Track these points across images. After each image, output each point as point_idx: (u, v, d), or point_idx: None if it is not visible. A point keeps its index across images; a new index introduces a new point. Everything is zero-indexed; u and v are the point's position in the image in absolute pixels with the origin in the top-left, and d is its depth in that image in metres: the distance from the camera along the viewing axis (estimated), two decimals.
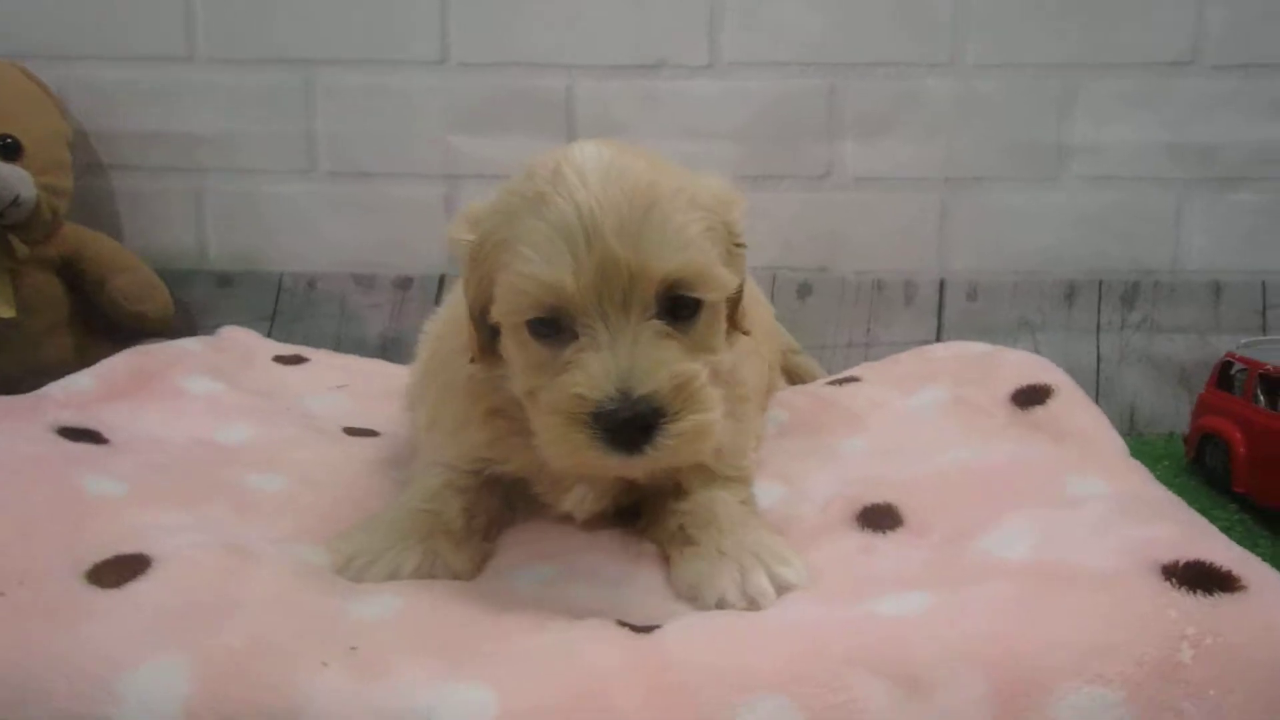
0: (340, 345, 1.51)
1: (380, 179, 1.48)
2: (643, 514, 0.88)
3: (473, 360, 0.82)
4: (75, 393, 1.04)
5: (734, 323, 0.84)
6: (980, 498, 0.85)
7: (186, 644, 0.62)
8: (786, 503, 0.93)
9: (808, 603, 0.70)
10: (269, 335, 1.45)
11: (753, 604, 0.71)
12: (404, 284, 1.51)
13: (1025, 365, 1.13)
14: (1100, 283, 1.45)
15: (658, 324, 0.72)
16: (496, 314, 0.76)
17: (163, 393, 1.13)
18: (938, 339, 1.47)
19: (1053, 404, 1.02)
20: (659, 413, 0.68)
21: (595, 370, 0.69)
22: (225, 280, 1.52)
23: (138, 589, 0.67)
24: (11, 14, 1.44)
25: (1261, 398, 1.15)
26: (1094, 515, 0.76)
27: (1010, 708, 0.56)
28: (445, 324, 0.89)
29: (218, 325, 1.49)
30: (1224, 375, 1.26)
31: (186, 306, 1.52)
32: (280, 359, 1.36)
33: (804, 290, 1.48)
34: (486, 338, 0.81)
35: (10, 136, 1.31)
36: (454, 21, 1.42)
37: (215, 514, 0.83)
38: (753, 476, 0.93)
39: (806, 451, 1.07)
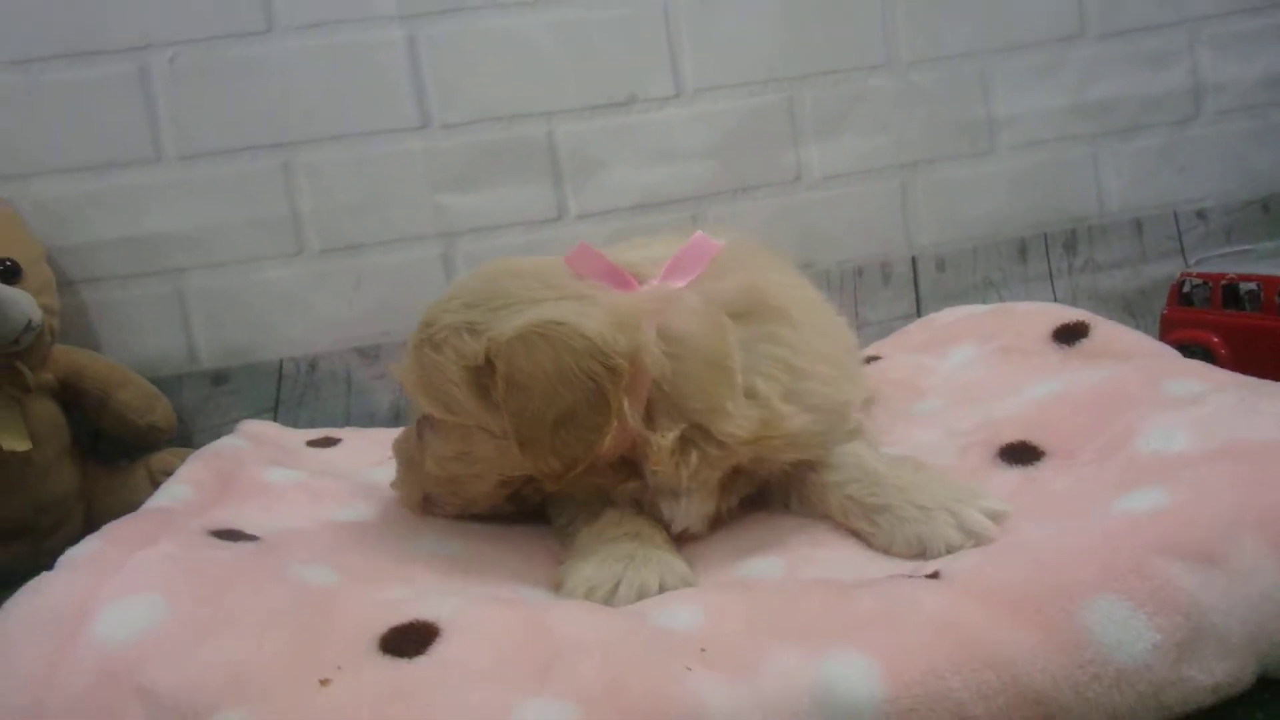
0: (350, 422, 1.49)
1: (373, 249, 1.47)
2: (778, 496, 0.93)
3: None
4: (186, 502, 0.99)
5: None
6: (1097, 416, 0.93)
7: (549, 686, 0.62)
8: (918, 455, 0.98)
9: (1049, 521, 0.76)
10: (278, 423, 1.41)
11: (979, 539, 0.77)
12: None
13: (1042, 310, 1.25)
14: (1045, 235, 1.63)
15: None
16: None
17: (252, 490, 1.08)
18: (918, 310, 1.60)
19: (1096, 334, 1.13)
20: None
21: None
22: (220, 378, 1.47)
23: (443, 652, 0.67)
24: None
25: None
26: (1226, 403, 0.86)
27: None
28: None
29: (217, 426, 1.44)
30: (1180, 293, 1.45)
31: (180, 412, 1.45)
32: (312, 443, 1.34)
33: None
34: None
35: (9, 260, 1.24)
36: (431, 86, 1.45)
37: (431, 581, 0.83)
38: (870, 432, 0.97)
39: (888, 420, 1.13)
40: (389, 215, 1.47)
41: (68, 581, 0.74)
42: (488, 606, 0.74)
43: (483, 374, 0.83)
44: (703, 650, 0.64)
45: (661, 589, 0.79)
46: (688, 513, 0.88)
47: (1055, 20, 1.59)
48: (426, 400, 0.88)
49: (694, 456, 0.85)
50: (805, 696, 0.60)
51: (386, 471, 1.24)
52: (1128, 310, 1.64)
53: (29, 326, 1.20)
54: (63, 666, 0.64)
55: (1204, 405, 0.88)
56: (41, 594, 0.71)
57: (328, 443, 1.34)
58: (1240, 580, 0.64)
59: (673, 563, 0.82)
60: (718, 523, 0.93)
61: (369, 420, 1.50)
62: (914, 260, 1.61)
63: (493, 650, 0.67)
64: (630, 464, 0.88)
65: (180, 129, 1.41)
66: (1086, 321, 1.16)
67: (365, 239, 1.47)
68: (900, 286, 1.61)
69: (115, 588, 0.71)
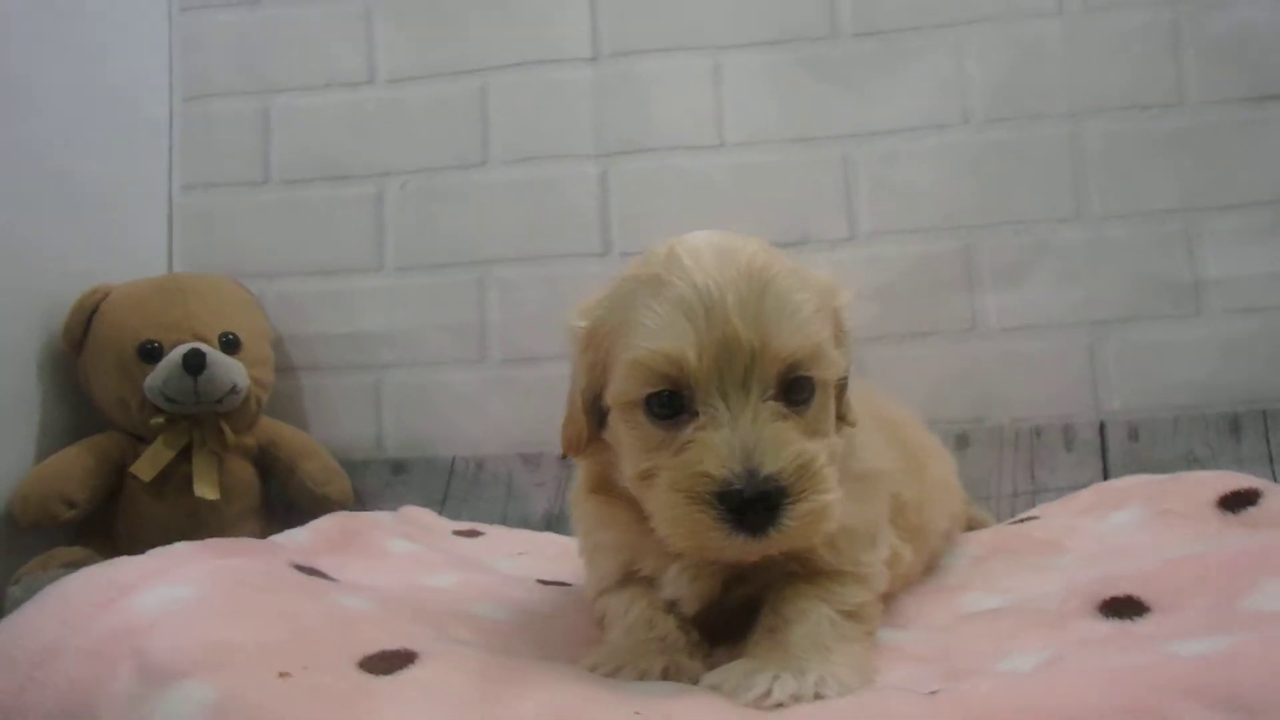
0: (507, 523, 1.56)
1: (546, 362, 1.58)
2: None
3: (568, 453, 0.86)
4: (297, 543, 1.12)
5: (839, 413, 0.83)
6: (1226, 576, 0.82)
7: (481, 714, 0.63)
8: (1011, 604, 0.92)
9: (1093, 655, 0.69)
10: (442, 516, 1.50)
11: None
12: (569, 460, 1.57)
13: (1215, 477, 1.13)
14: (1264, 412, 1.45)
15: (775, 405, 0.72)
16: (612, 395, 0.77)
17: (368, 551, 1.19)
18: (1105, 480, 1.46)
19: (1265, 503, 1.01)
20: (784, 492, 0.68)
21: (720, 448, 0.69)
22: (399, 467, 1.61)
23: (412, 675, 0.70)
24: (226, 241, 1.66)
25: None
26: None
27: None
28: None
29: (393, 510, 1.57)
30: None
31: (361, 495, 1.59)
32: (459, 533, 1.42)
33: (961, 441, 1.50)
34: (594, 425, 0.82)
35: (232, 333, 1.47)
36: (615, 217, 1.58)
37: (461, 633, 0.86)
38: (880, 580, 0.86)
39: (1011, 570, 1.06)
40: (563, 332, 1.57)
41: (140, 564, 0.84)
42: (480, 651, 0.77)
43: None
44: (636, 713, 0.63)
45: (663, 677, 0.76)
46: (682, 583, 0.83)
47: (1279, 181, 1.47)
48: (829, 354, 0.76)
49: None
50: None
51: (517, 563, 1.31)
52: None
53: (233, 390, 1.41)
54: (93, 620, 0.73)
55: None
56: (114, 566, 0.83)
57: (472, 534, 1.43)
58: None
59: (685, 664, 0.79)
60: (722, 622, 0.86)
61: (523, 524, 1.56)
62: (1102, 425, 1.48)
63: (455, 679, 0.69)
64: None
65: (400, 243, 1.62)
66: (1259, 489, 1.04)
67: (541, 353, 1.58)
68: (1085, 453, 1.48)
69: (169, 576, 0.80)
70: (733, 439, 0.69)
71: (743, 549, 0.70)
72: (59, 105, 1.45)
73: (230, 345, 1.46)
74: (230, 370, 1.41)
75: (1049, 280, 1.50)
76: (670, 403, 0.74)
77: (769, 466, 0.68)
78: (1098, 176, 1.50)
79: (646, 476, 0.75)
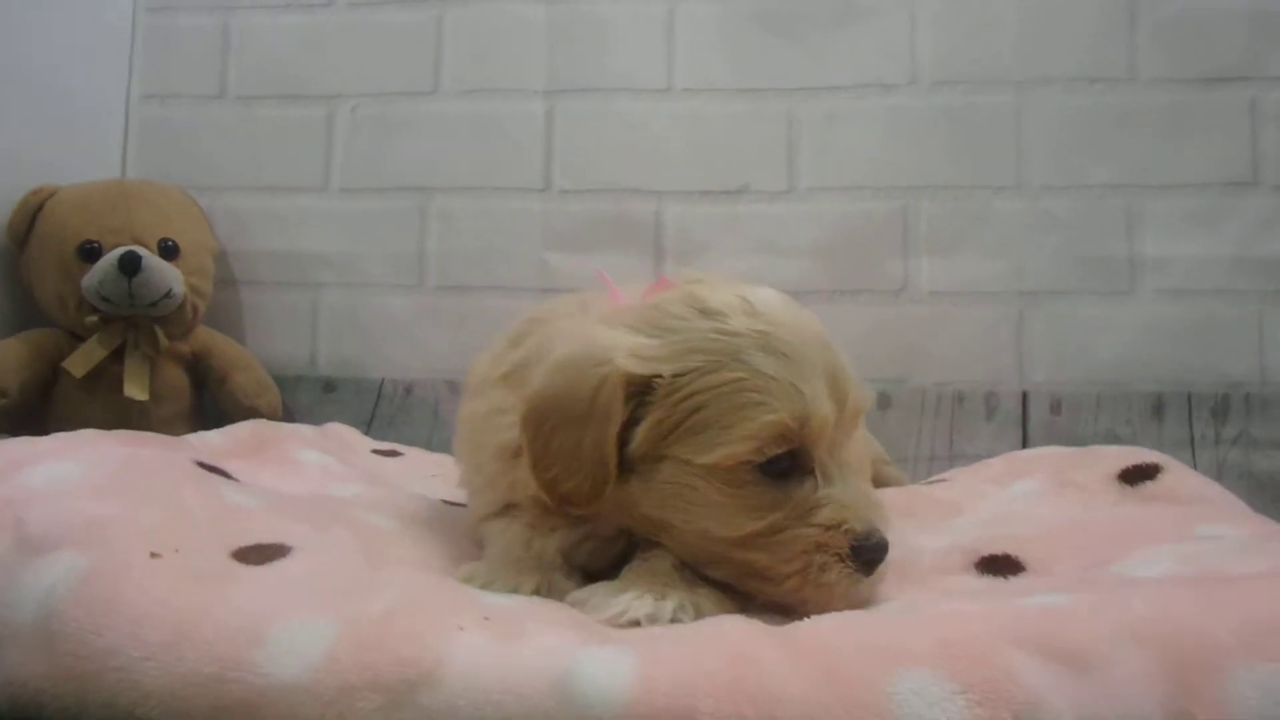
0: (431, 448, 1.57)
1: (479, 292, 1.60)
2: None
3: (573, 507, 0.78)
4: (207, 445, 1.13)
5: None
6: (1106, 543, 0.85)
7: (330, 609, 0.64)
8: (893, 558, 0.92)
9: (946, 602, 0.70)
10: (367, 436, 1.52)
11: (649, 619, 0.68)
12: None
13: (1123, 453, 1.13)
14: (1189, 395, 1.44)
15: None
16: (717, 456, 0.72)
17: (279, 459, 1.21)
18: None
19: (1164, 478, 1.02)
20: None
21: (854, 506, 0.72)
22: (330, 385, 1.63)
23: (281, 567, 0.71)
24: (180, 152, 1.68)
25: None
26: (1233, 545, 0.78)
27: (1185, 682, 0.55)
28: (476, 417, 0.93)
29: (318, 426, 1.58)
30: None
31: (292, 410, 1.61)
32: (378, 452, 1.44)
33: (883, 401, 1.50)
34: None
35: (171, 239, 1.49)
36: (558, 154, 1.59)
37: (340, 535, 0.87)
38: None
39: (907, 530, 1.05)
40: (500, 264, 1.59)
41: (38, 443, 0.87)
42: (352, 551, 0.79)
43: None
44: (486, 618, 0.64)
45: (534, 594, 0.77)
46: (582, 553, 0.84)
47: (1223, 164, 1.45)
48: None
49: None
50: (547, 679, 0.57)
51: (428, 485, 1.32)
52: None
53: (168, 295, 1.44)
54: None
55: (1216, 543, 0.80)
56: (12, 443, 0.86)
57: (392, 454, 1.44)
58: (1106, 692, 0.55)
59: (560, 583, 0.80)
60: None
61: (446, 450, 1.57)
62: (1024, 396, 1.47)
63: (320, 575, 0.70)
64: None
65: (347, 166, 1.64)
66: (1160, 465, 1.04)
67: (475, 282, 1.60)
68: (1006, 423, 1.47)
69: (62, 454, 0.82)
70: (852, 496, 0.73)
71: (863, 593, 0.73)
72: (17, 5, 1.48)
73: (169, 251, 1.48)
74: (166, 275, 1.44)
75: (983, 248, 1.49)
76: (785, 462, 0.73)
77: (884, 522, 0.74)
78: (1040, 148, 1.49)
79: (758, 537, 0.73)
